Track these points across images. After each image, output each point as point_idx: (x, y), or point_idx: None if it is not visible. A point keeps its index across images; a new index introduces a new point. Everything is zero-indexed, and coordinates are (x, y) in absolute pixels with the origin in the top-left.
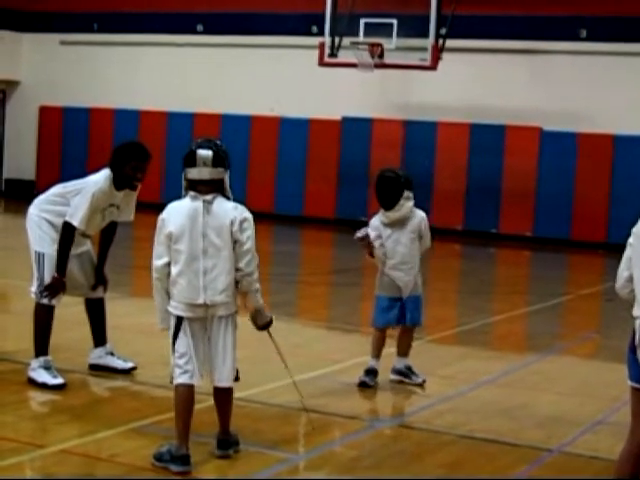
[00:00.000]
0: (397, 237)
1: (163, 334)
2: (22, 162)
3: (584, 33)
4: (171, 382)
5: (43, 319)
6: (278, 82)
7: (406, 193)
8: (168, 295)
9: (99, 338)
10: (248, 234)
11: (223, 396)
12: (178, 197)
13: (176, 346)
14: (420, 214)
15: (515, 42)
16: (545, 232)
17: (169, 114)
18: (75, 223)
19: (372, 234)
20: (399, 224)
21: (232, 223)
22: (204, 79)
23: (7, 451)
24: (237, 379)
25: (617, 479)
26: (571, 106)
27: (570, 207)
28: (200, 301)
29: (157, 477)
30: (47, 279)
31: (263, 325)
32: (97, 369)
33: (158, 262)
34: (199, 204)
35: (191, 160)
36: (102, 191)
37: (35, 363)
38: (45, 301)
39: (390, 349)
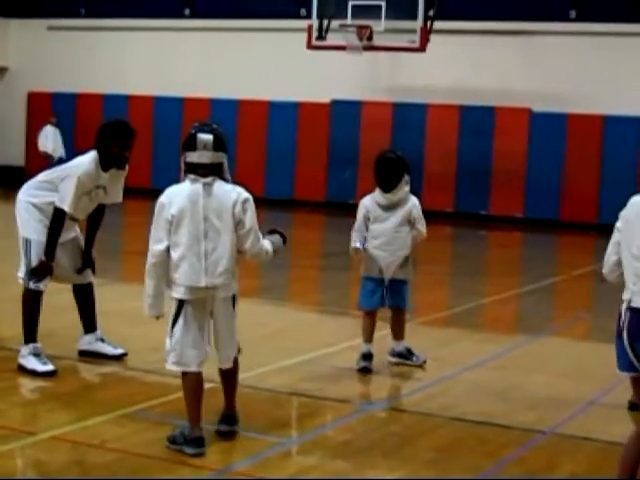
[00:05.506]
0: (386, 217)
1: (153, 320)
2: (11, 148)
3: (574, 14)
4: (174, 366)
5: (31, 305)
6: (267, 66)
7: (406, 177)
8: (162, 281)
9: (89, 324)
10: (250, 214)
11: (229, 374)
12: (167, 182)
13: (175, 330)
14: (413, 200)
15: (504, 23)
16: (535, 213)
17: (157, 99)
18: (65, 208)
19: (360, 212)
20: (392, 206)
21: (234, 205)
22: (192, 63)
23: None
24: (239, 351)
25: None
26: (561, 87)
27: (560, 188)
28: (202, 284)
29: (148, 464)
30: (34, 264)
31: (280, 246)
32: (87, 355)
33: (157, 246)
34: (199, 187)
35: (191, 144)
36: (87, 173)
37: (25, 350)
38: (32, 286)
39: (382, 332)
